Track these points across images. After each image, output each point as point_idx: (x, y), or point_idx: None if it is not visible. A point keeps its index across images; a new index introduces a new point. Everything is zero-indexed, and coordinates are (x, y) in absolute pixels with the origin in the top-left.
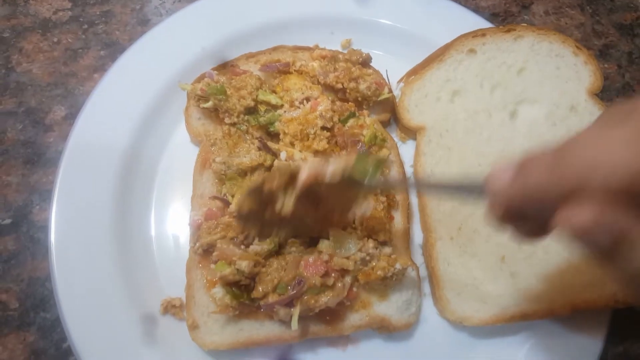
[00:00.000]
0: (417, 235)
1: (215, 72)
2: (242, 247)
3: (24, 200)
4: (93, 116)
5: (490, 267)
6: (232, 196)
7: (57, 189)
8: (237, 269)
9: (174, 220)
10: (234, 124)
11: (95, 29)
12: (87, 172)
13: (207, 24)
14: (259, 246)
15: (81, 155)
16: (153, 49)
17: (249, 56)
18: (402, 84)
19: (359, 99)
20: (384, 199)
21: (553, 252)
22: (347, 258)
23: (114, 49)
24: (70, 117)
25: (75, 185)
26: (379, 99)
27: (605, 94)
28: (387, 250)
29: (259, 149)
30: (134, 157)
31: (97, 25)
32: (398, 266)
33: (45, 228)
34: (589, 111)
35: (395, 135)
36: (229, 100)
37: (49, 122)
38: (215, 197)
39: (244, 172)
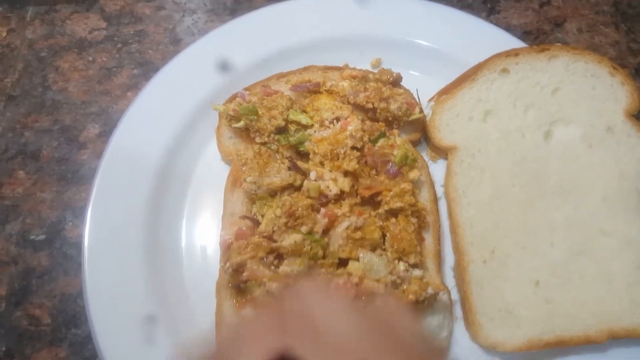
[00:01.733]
0: (449, 257)
1: (247, 92)
2: (272, 267)
3: (58, 216)
4: (126, 134)
5: (524, 291)
6: (262, 216)
7: (90, 206)
8: (267, 291)
9: (205, 238)
10: (264, 143)
11: (129, 48)
12: (119, 190)
13: (239, 44)
14: (288, 267)
15: (114, 172)
16: (186, 68)
17: (280, 76)
18: (432, 103)
19: (390, 118)
20: (414, 220)
21: (590, 277)
22: (378, 280)
23: (147, 68)
24: (104, 135)
25: (108, 202)
26: (409, 119)
27: None
28: (418, 272)
29: (289, 168)
30: (166, 175)
31: (130, 44)
32: (430, 290)
33: (77, 244)
34: (626, 132)
35: (425, 154)
36: (260, 120)
37: (83, 140)
38: (245, 217)
39: (274, 192)
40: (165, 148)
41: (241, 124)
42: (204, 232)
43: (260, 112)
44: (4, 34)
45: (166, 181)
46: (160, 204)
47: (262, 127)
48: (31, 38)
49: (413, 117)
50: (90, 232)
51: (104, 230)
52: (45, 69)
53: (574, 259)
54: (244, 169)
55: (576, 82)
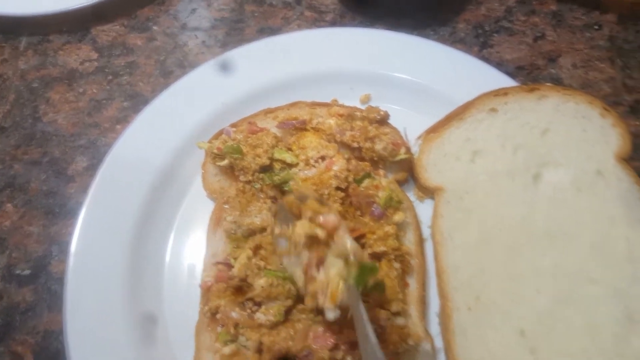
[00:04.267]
0: (435, 302)
1: (233, 128)
2: (248, 311)
3: (44, 251)
4: (112, 169)
5: (509, 341)
6: (235, 259)
7: (74, 243)
8: (243, 346)
9: (189, 277)
10: (248, 182)
11: (120, 80)
12: (103, 226)
13: (228, 79)
14: (263, 315)
15: (99, 208)
16: (174, 103)
17: (268, 112)
18: (420, 141)
19: (375, 158)
20: (398, 265)
21: (576, 328)
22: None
23: (137, 101)
24: (92, 168)
25: (92, 239)
26: (395, 159)
27: (636, 152)
28: (400, 321)
29: (271, 209)
30: (151, 211)
31: (121, 76)
32: (410, 342)
33: (62, 280)
34: (617, 177)
35: (412, 193)
36: (244, 158)
37: (71, 173)
38: (217, 263)
39: (253, 232)
40: (152, 183)
41: (225, 162)
42: (189, 270)
43: (244, 151)
44: None
45: (151, 217)
46: (145, 241)
47: (247, 165)
48: (23, 68)
49: (398, 157)
50: (73, 269)
51: (86, 267)
52: (36, 100)
53: (560, 307)
54: (225, 207)
55: (566, 123)
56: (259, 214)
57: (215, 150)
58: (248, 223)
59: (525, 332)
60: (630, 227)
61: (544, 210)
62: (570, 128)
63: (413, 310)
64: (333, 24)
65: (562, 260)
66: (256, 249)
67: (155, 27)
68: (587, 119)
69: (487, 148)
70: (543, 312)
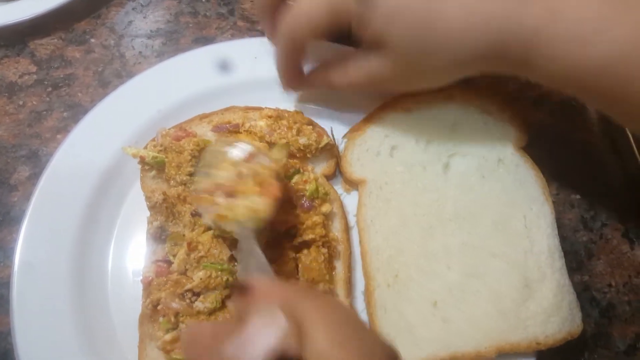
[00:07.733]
0: (361, 282)
1: (163, 131)
2: (188, 301)
3: None
4: (54, 177)
5: (423, 312)
6: (174, 256)
7: (19, 247)
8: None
9: (133, 275)
10: (184, 184)
11: (59, 92)
12: (47, 231)
13: (165, 87)
14: (202, 303)
15: (42, 213)
16: (112, 111)
17: (203, 117)
18: (345, 139)
19: (302, 148)
20: (325, 250)
21: (481, 297)
22: None
23: (76, 111)
24: (34, 177)
25: (37, 242)
26: (319, 147)
27: (538, 141)
28: None
29: (192, 215)
30: (93, 213)
31: (60, 87)
32: None
33: (8, 284)
34: (515, 163)
35: (340, 187)
36: (168, 168)
37: (14, 182)
38: (156, 261)
39: (182, 235)
40: (93, 188)
41: (153, 173)
42: (132, 267)
43: (169, 158)
44: None
45: (94, 219)
46: (89, 242)
47: (171, 174)
48: None
49: (322, 144)
50: (19, 271)
51: (32, 269)
52: None
53: (468, 280)
54: (151, 212)
55: (470, 118)
56: (182, 220)
57: (138, 161)
58: (172, 230)
59: (438, 303)
60: (527, 207)
61: (452, 196)
62: (474, 123)
63: (340, 290)
64: (264, 32)
65: (468, 238)
66: (192, 245)
67: (92, 40)
68: (488, 113)
69: (403, 143)
70: (453, 285)
